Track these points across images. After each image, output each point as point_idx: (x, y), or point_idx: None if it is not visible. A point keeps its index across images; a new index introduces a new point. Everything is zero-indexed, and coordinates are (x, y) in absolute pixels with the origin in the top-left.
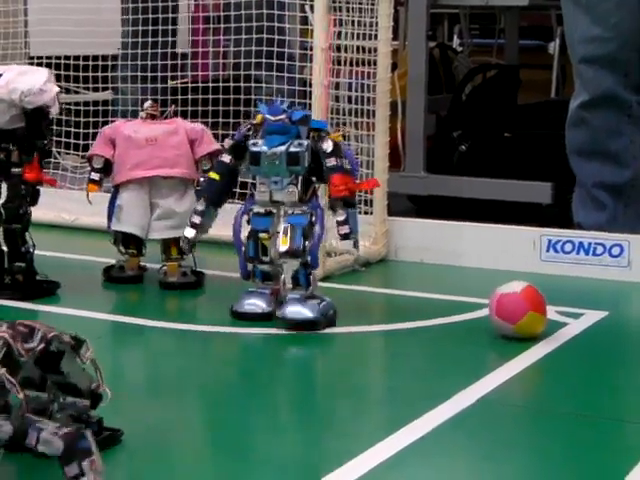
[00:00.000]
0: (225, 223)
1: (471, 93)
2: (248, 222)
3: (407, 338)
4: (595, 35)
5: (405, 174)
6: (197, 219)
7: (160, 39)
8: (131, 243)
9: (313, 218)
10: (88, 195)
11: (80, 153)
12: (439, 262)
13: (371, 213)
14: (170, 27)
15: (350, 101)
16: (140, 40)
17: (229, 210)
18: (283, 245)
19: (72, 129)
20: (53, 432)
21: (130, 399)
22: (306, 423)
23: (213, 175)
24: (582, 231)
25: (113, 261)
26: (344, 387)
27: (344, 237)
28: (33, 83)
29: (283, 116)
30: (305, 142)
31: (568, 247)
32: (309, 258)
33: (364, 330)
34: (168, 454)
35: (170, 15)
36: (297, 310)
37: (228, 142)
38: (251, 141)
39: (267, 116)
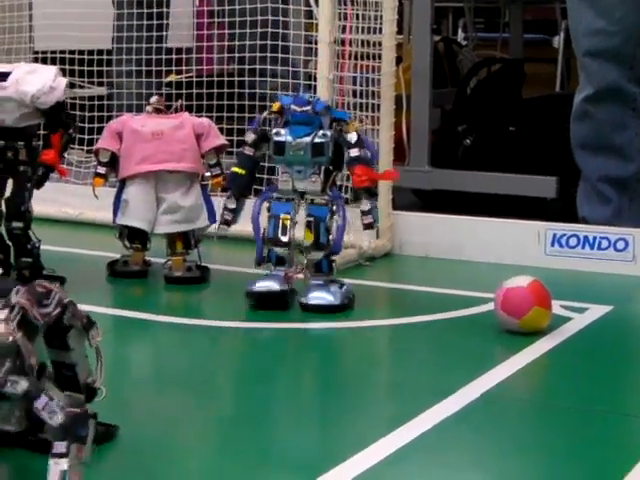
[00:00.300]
0: None
1: (476, 87)
2: (268, 209)
3: (412, 332)
4: (599, 28)
5: (410, 168)
6: (229, 216)
7: (154, 34)
8: (136, 237)
9: (334, 207)
10: (94, 189)
11: (85, 147)
12: (444, 256)
13: (376, 208)
14: (164, 22)
15: (355, 95)
16: (135, 35)
17: None
18: (307, 240)
19: (77, 123)
20: (61, 405)
21: (135, 393)
22: (310, 417)
23: (238, 170)
24: (587, 225)
25: (118, 256)
26: (349, 381)
27: (367, 226)
28: (43, 83)
29: (308, 107)
30: (328, 133)
31: (573, 241)
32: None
33: (369, 325)
34: (173, 448)
35: (164, 9)
36: (322, 296)
37: (250, 135)
38: (274, 130)
39: (292, 107)
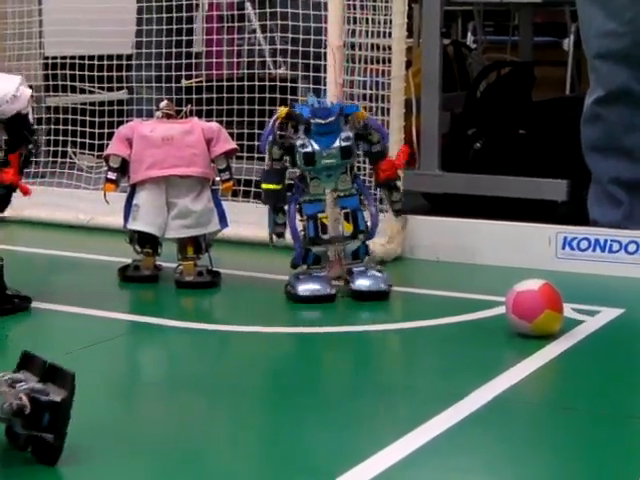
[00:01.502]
0: (239, 222)
1: (485, 90)
2: (300, 212)
3: (423, 336)
4: (610, 30)
5: (420, 172)
6: (282, 228)
7: (174, 38)
8: (147, 242)
9: (361, 197)
10: (105, 195)
11: (95, 153)
12: (454, 260)
13: (386, 211)
14: (185, 26)
15: (365, 99)
16: (154, 39)
17: (242, 208)
18: (347, 230)
19: (87, 129)
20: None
21: (147, 398)
22: (322, 422)
23: (273, 187)
24: (598, 228)
25: (129, 261)
26: (360, 386)
27: (398, 212)
28: (5, 92)
29: (332, 118)
30: (350, 134)
31: (584, 244)
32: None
33: (379, 329)
34: (187, 451)
35: (184, 14)
36: (369, 283)
37: (275, 151)
38: (299, 142)
39: (316, 120)
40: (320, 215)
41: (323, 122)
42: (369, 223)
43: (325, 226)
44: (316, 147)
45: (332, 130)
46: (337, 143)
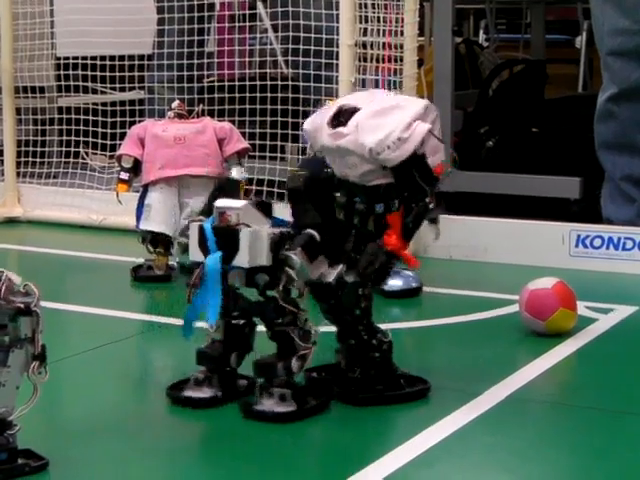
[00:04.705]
0: None
1: (498, 88)
2: None
3: (436, 335)
4: (624, 27)
5: None
6: None
7: (196, 38)
8: (159, 242)
9: None
10: (118, 195)
11: (107, 153)
12: (468, 258)
13: None
14: (205, 25)
15: None
16: (176, 39)
17: None
18: None
19: (99, 129)
20: None
21: (161, 398)
22: (335, 420)
23: None
24: (611, 226)
25: (141, 260)
26: None
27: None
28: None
29: None
30: None
31: (597, 242)
32: None
33: (393, 327)
34: (200, 449)
35: (205, 13)
36: (401, 282)
37: None
38: None
39: None
40: None
41: None
42: None
43: None
44: None
45: None
46: None
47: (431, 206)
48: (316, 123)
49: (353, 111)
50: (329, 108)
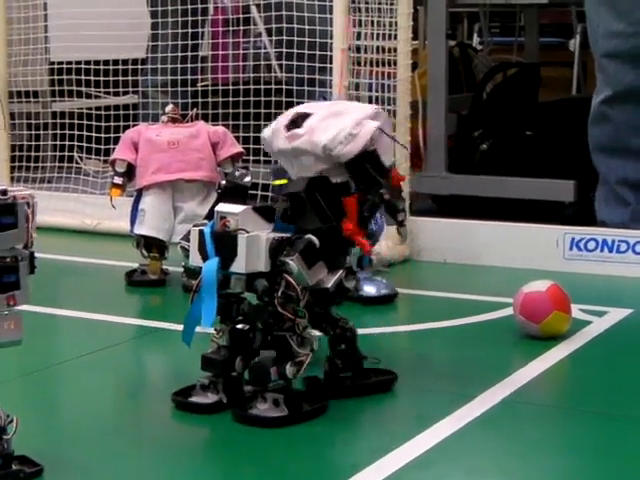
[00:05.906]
0: None
1: (492, 92)
2: None
3: (431, 338)
4: (618, 30)
5: (427, 174)
6: None
7: (190, 42)
8: (153, 247)
9: None
10: (112, 199)
11: (101, 158)
12: (462, 262)
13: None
14: (199, 30)
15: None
16: (170, 43)
17: None
18: None
19: (93, 134)
20: None
21: (155, 403)
22: (332, 423)
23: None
24: (605, 228)
25: (135, 265)
26: None
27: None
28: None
29: None
30: None
31: (591, 245)
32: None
33: (387, 331)
34: (198, 455)
35: (199, 18)
36: (374, 289)
37: None
38: None
39: None
40: None
41: None
42: (374, 227)
43: None
44: None
45: None
46: None
47: (386, 197)
48: (273, 129)
49: (308, 116)
50: (286, 115)
